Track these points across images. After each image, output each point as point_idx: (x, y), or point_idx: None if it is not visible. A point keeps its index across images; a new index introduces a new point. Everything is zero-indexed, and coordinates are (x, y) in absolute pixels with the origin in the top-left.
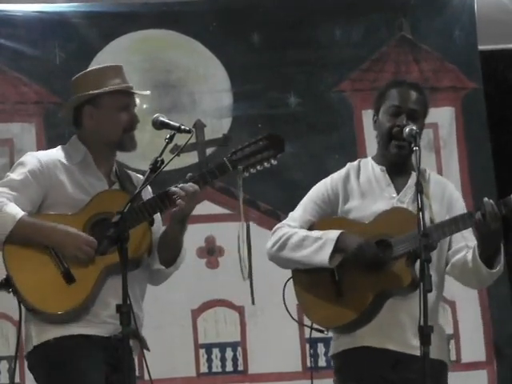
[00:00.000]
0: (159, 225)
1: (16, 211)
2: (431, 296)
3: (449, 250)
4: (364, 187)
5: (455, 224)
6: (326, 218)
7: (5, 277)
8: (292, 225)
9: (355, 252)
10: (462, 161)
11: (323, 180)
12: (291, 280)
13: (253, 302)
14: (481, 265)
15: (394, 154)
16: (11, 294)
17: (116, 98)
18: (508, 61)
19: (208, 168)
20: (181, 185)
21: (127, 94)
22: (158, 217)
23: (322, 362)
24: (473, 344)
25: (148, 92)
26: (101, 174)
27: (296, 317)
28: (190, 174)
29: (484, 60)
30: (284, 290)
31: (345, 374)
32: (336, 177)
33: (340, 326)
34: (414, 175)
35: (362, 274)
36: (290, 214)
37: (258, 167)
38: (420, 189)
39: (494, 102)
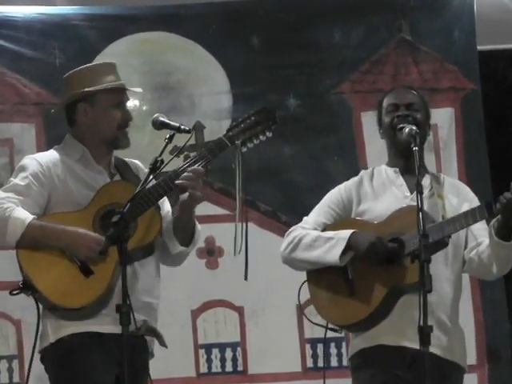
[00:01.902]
0: (166, 206)
1: (25, 216)
2: (449, 295)
3: (464, 249)
4: (378, 189)
5: (465, 218)
6: (338, 220)
7: (22, 280)
8: (305, 227)
9: (368, 249)
10: (462, 161)
11: (337, 186)
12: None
13: (245, 278)
14: (498, 241)
15: (405, 138)
16: (30, 296)
17: (110, 96)
18: (507, 61)
19: (207, 147)
20: (185, 174)
21: (121, 91)
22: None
23: (321, 363)
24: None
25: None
26: (101, 167)
27: (295, 317)
28: (188, 154)
29: (483, 60)
30: (299, 292)
31: (361, 373)
32: (349, 183)
33: (354, 324)
34: (426, 176)
35: (375, 271)
36: (304, 218)
37: (255, 141)
38: (420, 189)
39: (494, 102)
